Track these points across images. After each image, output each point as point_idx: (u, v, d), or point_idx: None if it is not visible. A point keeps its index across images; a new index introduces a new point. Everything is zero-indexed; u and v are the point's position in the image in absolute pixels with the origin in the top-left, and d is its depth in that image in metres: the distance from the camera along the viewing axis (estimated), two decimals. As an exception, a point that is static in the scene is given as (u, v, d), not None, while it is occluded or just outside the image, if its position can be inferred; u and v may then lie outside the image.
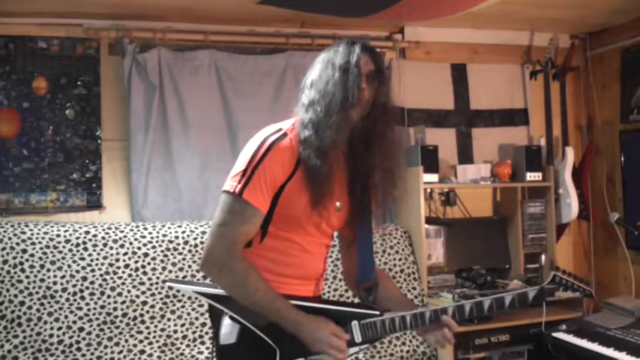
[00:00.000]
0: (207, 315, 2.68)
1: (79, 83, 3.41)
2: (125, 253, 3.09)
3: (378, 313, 1.81)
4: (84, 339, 2.91)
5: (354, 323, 1.79)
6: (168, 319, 3.04)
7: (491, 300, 1.81)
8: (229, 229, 1.73)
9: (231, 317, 1.77)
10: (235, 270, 1.72)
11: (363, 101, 1.75)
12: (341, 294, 3.28)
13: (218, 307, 1.78)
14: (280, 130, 1.79)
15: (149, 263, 3.10)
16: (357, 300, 1.98)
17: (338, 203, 1.83)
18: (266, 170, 1.73)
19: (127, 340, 2.96)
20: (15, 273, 2.92)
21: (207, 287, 1.81)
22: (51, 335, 2.87)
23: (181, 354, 2.99)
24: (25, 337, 2.84)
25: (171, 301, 3.07)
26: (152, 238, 3.16)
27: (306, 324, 1.72)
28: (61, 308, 2.92)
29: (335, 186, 1.77)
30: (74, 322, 2.92)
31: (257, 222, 1.76)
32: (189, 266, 3.14)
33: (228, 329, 1.78)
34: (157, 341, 2.99)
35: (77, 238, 3.06)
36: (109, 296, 2.99)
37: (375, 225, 1.94)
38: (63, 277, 2.97)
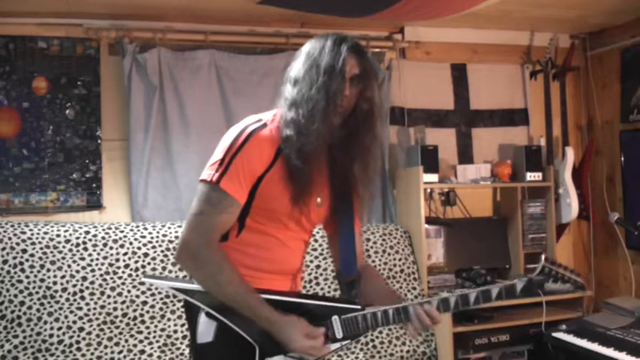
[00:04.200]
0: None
1: (79, 83, 3.41)
2: (125, 253, 3.09)
3: (359, 307, 1.78)
4: (84, 339, 2.91)
5: (335, 318, 1.76)
6: (169, 319, 3.04)
7: (477, 292, 1.75)
8: (205, 219, 1.70)
9: (207, 314, 1.73)
10: (209, 261, 1.69)
11: (346, 106, 1.74)
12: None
13: (194, 304, 1.74)
14: (260, 120, 1.77)
15: (149, 263, 3.10)
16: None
17: (319, 199, 1.82)
18: (244, 159, 1.70)
19: (127, 340, 2.96)
20: (15, 273, 2.92)
21: (183, 282, 1.78)
22: (51, 335, 2.87)
23: (181, 354, 2.99)
24: (25, 337, 2.84)
25: (171, 301, 3.07)
26: (152, 238, 3.16)
27: (278, 322, 1.68)
28: (61, 308, 2.92)
29: (315, 183, 1.76)
30: (74, 322, 2.92)
31: (234, 212, 1.73)
32: (189, 266, 3.13)
33: (204, 327, 1.74)
34: (157, 341, 2.99)
35: (77, 238, 3.06)
36: (109, 296, 2.99)
37: (357, 220, 1.92)
38: (63, 277, 2.97)
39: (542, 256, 1.80)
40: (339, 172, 1.82)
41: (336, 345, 1.76)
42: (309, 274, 3.29)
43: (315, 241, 3.34)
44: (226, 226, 1.74)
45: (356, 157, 1.80)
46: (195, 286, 1.74)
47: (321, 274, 3.31)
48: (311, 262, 3.31)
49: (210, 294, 1.71)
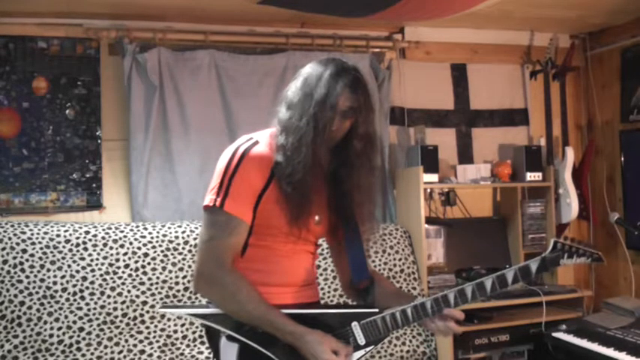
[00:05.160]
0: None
1: (79, 83, 3.41)
2: (125, 253, 3.09)
3: (376, 310, 1.76)
4: (84, 339, 2.91)
5: (354, 324, 1.75)
6: (169, 319, 3.04)
7: (492, 279, 1.71)
8: (216, 244, 1.71)
9: (228, 337, 1.73)
10: (226, 282, 1.69)
11: (334, 138, 1.73)
12: (341, 294, 3.28)
13: (214, 327, 1.74)
14: (251, 139, 1.79)
15: (149, 263, 3.10)
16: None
17: (317, 217, 1.81)
18: (243, 179, 1.71)
19: (127, 340, 2.96)
20: (15, 273, 2.92)
21: (200, 308, 1.79)
22: (51, 335, 2.87)
23: (181, 354, 2.99)
24: (25, 337, 2.84)
25: (172, 301, 3.07)
26: (152, 238, 3.16)
27: (303, 336, 1.67)
28: (61, 308, 2.92)
29: (312, 203, 1.75)
30: (74, 322, 2.92)
31: (243, 232, 1.74)
32: (189, 266, 3.13)
33: (226, 350, 1.74)
34: (157, 341, 2.99)
35: (77, 238, 3.06)
36: (109, 296, 2.99)
37: (361, 228, 1.90)
38: (63, 277, 2.97)
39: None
40: (337, 191, 1.81)
41: (360, 353, 1.74)
42: (309, 274, 3.29)
43: (315, 241, 3.33)
44: (237, 248, 1.75)
45: (352, 183, 1.79)
46: (212, 310, 1.73)
47: (321, 274, 3.31)
48: (311, 262, 3.31)
49: (231, 315, 1.71)
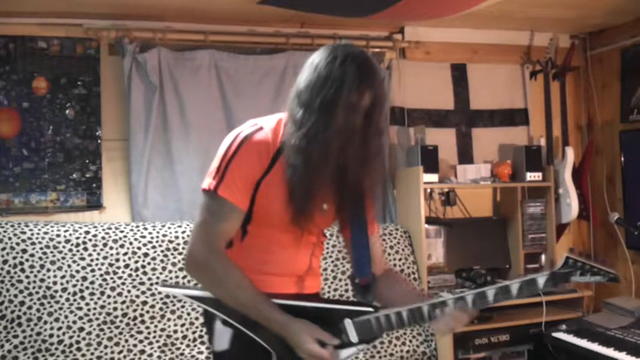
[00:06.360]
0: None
1: (79, 83, 3.41)
2: (125, 253, 3.09)
3: (371, 309, 1.72)
4: (84, 339, 2.91)
5: (347, 321, 1.71)
6: (169, 319, 3.04)
7: (496, 290, 1.65)
8: (208, 228, 1.70)
9: (223, 321, 1.72)
10: (216, 268, 1.68)
11: (345, 131, 1.66)
12: (341, 294, 3.28)
13: (210, 311, 1.74)
14: (256, 124, 1.74)
15: (149, 263, 3.10)
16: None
17: (325, 205, 1.77)
18: (239, 165, 1.68)
19: (127, 340, 2.96)
20: (15, 273, 2.92)
21: (197, 290, 1.77)
22: (51, 335, 2.87)
23: (181, 354, 2.99)
24: (25, 337, 2.84)
25: (171, 301, 3.07)
26: (152, 238, 3.16)
27: (288, 325, 1.65)
28: (61, 308, 2.92)
29: (318, 194, 1.70)
30: (74, 322, 2.92)
31: (236, 218, 1.71)
32: (189, 266, 3.13)
33: (220, 334, 1.74)
34: (157, 341, 2.99)
35: (77, 238, 3.06)
36: (109, 296, 2.99)
37: (372, 223, 1.87)
38: (63, 277, 2.97)
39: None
40: (346, 182, 1.74)
41: (352, 350, 1.71)
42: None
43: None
44: (230, 233, 1.73)
45: (363, 176, 1.73)
46: (208, 294, 1.73)
47: (320, 274, 3.31)
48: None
49: (221, 301, 1.70)
